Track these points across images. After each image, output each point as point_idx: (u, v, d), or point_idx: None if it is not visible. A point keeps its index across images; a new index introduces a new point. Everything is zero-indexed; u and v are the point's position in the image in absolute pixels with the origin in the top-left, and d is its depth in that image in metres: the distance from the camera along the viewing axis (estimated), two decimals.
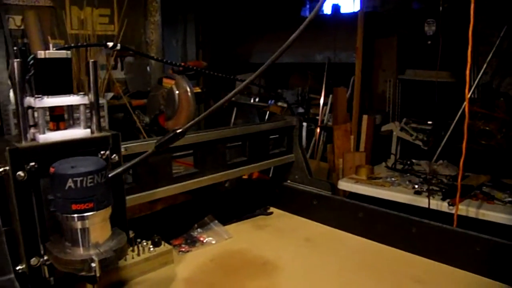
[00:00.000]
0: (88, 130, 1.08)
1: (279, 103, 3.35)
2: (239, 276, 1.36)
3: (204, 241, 1.55)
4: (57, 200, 0.94)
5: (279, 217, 1.80)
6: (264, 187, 1.91)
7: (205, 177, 1.48)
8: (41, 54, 1.01)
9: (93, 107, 1.09)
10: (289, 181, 1.88)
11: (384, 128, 3.25)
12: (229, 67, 3.61)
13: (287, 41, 0.92)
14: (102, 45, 1.20)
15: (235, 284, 1.32)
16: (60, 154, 1.01)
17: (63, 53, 1.03)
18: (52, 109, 1.06)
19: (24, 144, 1.00)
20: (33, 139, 1.04)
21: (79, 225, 0.96)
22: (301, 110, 3.50)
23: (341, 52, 3.61)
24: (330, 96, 3.51)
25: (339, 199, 1.71)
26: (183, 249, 1.49)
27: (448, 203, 2.46)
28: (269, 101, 3.41)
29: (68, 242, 0.99)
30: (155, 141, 1.27)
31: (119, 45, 1.26)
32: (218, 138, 1.51)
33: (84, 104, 1.07)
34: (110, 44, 1.24)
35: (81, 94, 1.06)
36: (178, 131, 1.04)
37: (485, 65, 2.91)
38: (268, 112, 3.62)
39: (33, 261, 1.02)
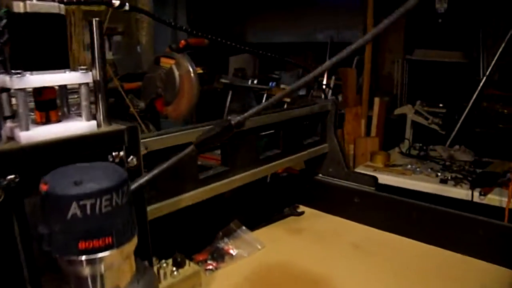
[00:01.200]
0: (94, 123, 0.71)
1: (282, 86, 2.97)
2: None
3: (234, 254, 1.19)
4: (54, 235, 0.57)
5: (313, 218, 1.45)
6: (292, 183, 1.55)
7: (237, 177, 1.12)
8: (19, 6, 0.62)
9: (99, 88, 0.72)
10: (320, 175, 1.52)
11: (397, 111, 2.93)
12: (222, 47, 3.21)
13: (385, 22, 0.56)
14: (106, 4, 0.81)
15: None
16: (53, 161, 0.63)
17: (53, 6, 0.65)
18: (38, 92, 0.68)
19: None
20: (11, 138, 0.66)
21: (90, 270, 0.59)
22: (302, 92, 3.13)
23: (345, 31, 3.23)
24: (333, 77, 3.16)
25: (387, 196, 1.37)
26: (210, 267, 1.13)
27: (480, 192, 2.16)
28: (270, 83, 3.03)
29: None
30: (182, 132, 0.91)
31: (127, 4, 0.88)
32: (248, 128, 1.14)
33: (87, 84, 0.68)
34: (117, 2, 0.85)
35: (81, 70, 0.68)
36: (233, 121, 0.67)
37: (503, 44, 2.59)
38: (265, 96, 3.25)
39: None
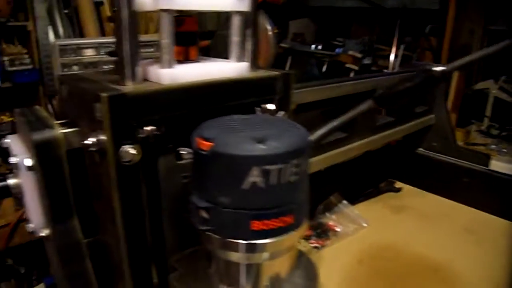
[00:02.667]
0: (245, 65, 0.52)
1: (350, 52, 2.73)
2: None
3: (339, 230, 1.02)
4: (217, 210, 0.40)
5: (413, 196, 1.26)
6: (389, 156, 1.35)
7: (355, 144, 0.93)
8: None
9: (251, 21, 0.53)
10: (421, 149, 1.32)
11: (478, 86, 2.65)
12: (281, 10, 2.95)
13: None
14: None
15: None
16: (199, 110, 0.46)
17: None
18: (179, 20, 0.50)
19: (133, 87, 0.45)
20: (146, 80, 0.49)
21: (259, 257, 0.42)
22: (367, 61, 2.88)
23: None
24: (402, 46, 2.89)
25: (504, 177, 1.15)
26: (316, 244, 0.96)
27: None
28: (336, 50, 2.79)
29: (223, 282, 0.45)
30: (333, 85, 0.73)
31: None
32: (367, 91, 0.94)
33: (241, 14, 0.50)
34: None
35: None
36: (438, 68, 0.48)
37: None
38: (326, 63, 3.01)
39: None
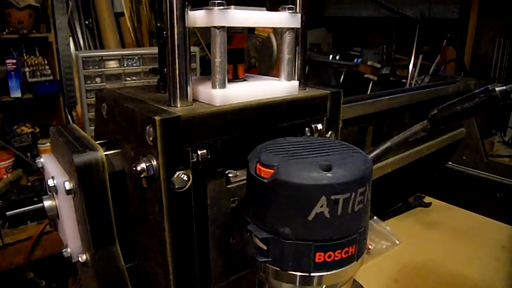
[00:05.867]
0: (295, 84, 0.50)
1: (369, 62, 2.69)
2: None
3: (371, 247, 0.98)
4: (278, 240, 0.37)
5: (444, 212, 1.22)
6: (418, 170, 1.31)
7: (389, 160, 0.90)
8: None
9: (300, 38, 0.51)
10: (451, 163, 1.28)
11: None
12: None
13: None
14: None
15: None
16: (251, 132, 0.43)
17: None
18: (229, 38, 0.47)
19: (185, 108, 0.42)
20: (195, 101, 0.46)
21: None
22: (386, 71, 2.84)
23: (438, 5, 2.85)
24: (420, 56, 2.84)
25: None
26: None
27: None
28: (356, 60, 2.76)
29: None
30: (372, 100, 0.71)
31: None
32: (402, 106, 0.91)
33: (293, 30, 0.48)
34: None
35: (289, 10, 0.47)
36: (499, 88, 0.45)
37: None
38: (344, 73, 2.98)
39: None
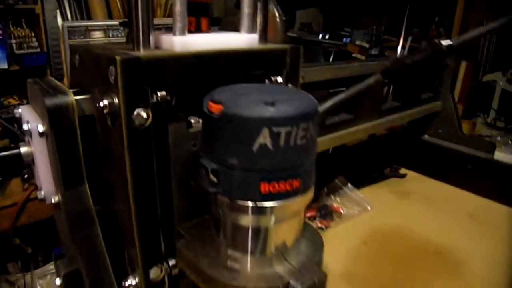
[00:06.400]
0: (255, 37, 0.53)
1: (358, 42, 2.72)
2: (415, 271, 0.86)
3: (343, 213, 1.03)
4: (226, 171, 0.41)
5: (418, 182, 1.27)
6: (394, 142, 1.36)
7: (360, 126, 0.94)
8: None
9: None
10: (427, 136, 1.32)
11: (486, 78, 2.63)
12: None
13: None
14: None
15: (417, 285, 0.81)
16: (207, 78, 0.47)
17: None
18: None
19: (146, 53, 0.45)
20: (157, 48, 0.49)
21: (267, 220, 0.43)
22: (375, 52, 2.88)
23: None
24: (409, 38, 2.87)
25: (508, 165, 1.16)
26: (321, 225, 0.98)
27: None
28: (344, 39, 2.78)
29: (231, 248, 0.46)
30: (343, 65, 0.74)
31: None
32: (356, 76, 0.95)
33: None
34: None
35: None
36: (445, 43, 0.49)
37: None
38: (333, 53, 3.01)
39: (154, 272, 0.50)
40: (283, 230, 0.46)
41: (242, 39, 0.52)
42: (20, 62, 2.01)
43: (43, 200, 0.58)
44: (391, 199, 1.16)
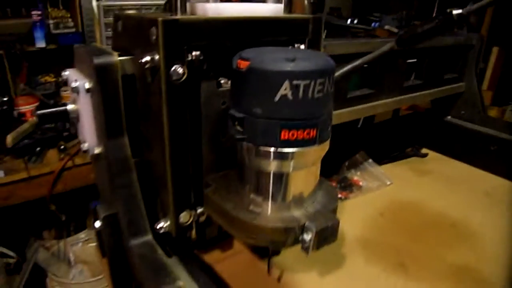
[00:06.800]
0: (280, 6, 0.59)
1: (386, 27, 2.73)
2: (429, 242, 0.90)
3: (362, 185, 1.08)
4: (251, 119, 0.46)
5: (439, 162, 1.30)
6: (417, 122, 1.39)
7: (381, 102, 0.98)
8: None
9: None
10: (450, 117, 1.35)
11: None
12: None
13: None
14: None
15: (430, 254, 0.86)
16: (237, 42, 0.53)
17: None
18: None
19: (184, 17, 0.52)
20: (193, 15, 0.56)
21: (286, 166, 0.49)
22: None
23: None
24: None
25: None
26: (340, 195, 1.03)
27: None
28: (373, 24, 2.79)
29: (253, 193, 0.52)
30: (363, 41, 0.78)
31: None
32: (397, 50, 0.98)
33: None
34: None
35: None
36: (456, 11, 0.53)
37: None
38: (361, 37, 3.00)
39: (184, 217, 0.57)
40: (301, 178, 0.52)
41: (268, 8, 0.58)
42: (57, 41, 2.11)
43: (86, 151, 0.65)
44: (410, 176, 1.20)
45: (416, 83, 1.10)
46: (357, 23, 2.82)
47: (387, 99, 1.01)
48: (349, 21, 2.89)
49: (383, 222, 0.97)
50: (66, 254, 1.80)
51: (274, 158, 0.48)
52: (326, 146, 0.51)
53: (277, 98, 0.44)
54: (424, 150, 1.35)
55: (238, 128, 0.48)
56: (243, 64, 0.46)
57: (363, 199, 1.05)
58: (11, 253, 1.70)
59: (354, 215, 0.98)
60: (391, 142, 1.32)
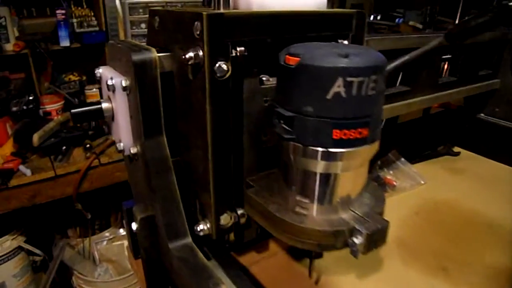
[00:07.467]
0: (324, 1, 0.56)
1: (411, 23, 2.67)
2: (467, 243, 0.87)
3: (395, 184, 1.04)
4: (301, 118, 0.44)
5: (471, 161, 1.26)
6: (449, 120, 1.35)
7: (417, 99, 0.95)
8: None
9: None
10: (483, 115, 1.31)
11: None
12: None
13: None
14: None
15: (470, 257, 0.83)
16: (283, 37, 0.51)
17: None
18: None
19: (229, 11, 0.50)
20: (236, 9, 0.54)
21: (336, 167, 0.46)
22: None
23: None
24: (466, 18, 2.78)
25: None
26: None
27: None
28: (397, 20, 2.74)
29: (299, 194, 0.50)
30: (403, 36, 0.76)
31: None
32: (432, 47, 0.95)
33: None
34: None
35: None
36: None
37: None
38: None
39: (225, 219, 0.55)
40: (349, 179, 0.50)
41: (312, 2, 0.55)
42: (81, 40, 2.12)
43: (121, 151, 0.64)
44: (443, 175, 1.17)
45: (451, 80, 1.06)
46: (380, 19, 2.77)
47: (422, 97, 0.97)
48: (372, 17, 2.85)
49: (419, 222, 0.94)
50: (91, 253, 1.80)
51: (324, 158, 0.46)
52: (376, 145, 0.48)
53: (329, 95, 0.42)
54: (456, 149, 1.31)
55: (286, 127, 0.46)
56: (293, 61, 0.44)
57: (397, 198, 1.02)
58: (37, 251, 1.71)
59: (389, 215, 0.94)
60: (422, 141, 1.29)
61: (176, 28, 0.53)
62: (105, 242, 1.87)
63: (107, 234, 1.90)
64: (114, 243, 1.86)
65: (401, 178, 1.07)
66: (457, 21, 2.71)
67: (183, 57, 0.47)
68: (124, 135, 0.62)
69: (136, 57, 0.52)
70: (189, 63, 0.47)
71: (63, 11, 2.05)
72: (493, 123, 1.28)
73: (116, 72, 0.61)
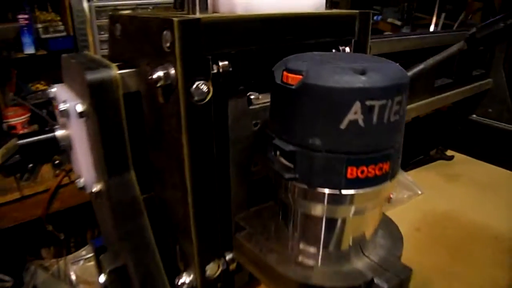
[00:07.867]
0: (323, 1, 0.46)
1: (390, 20, 2.60)
2: (475, 259, 0.78)
3: (392, 197, 0.95)
4: (305, 153, 0.34)
5: (466, 165, 1.18)
6: (439, 122, 1.27)
7: (413, 105, 0.86)
8: None
9: None
10: (475, 116, 1.23)
11: None
12: None
13: None
14: None
15: (478, 275, 0.74)
16: (275, 46, 0.40)
17: None
18: None
19: (207, 15, 0.39)
20: (215, 13, 0.43)
21: (349, 210, 0.36)
22: (406, 30, 2.75)
23: None
24: (443, 15, 2.73)
25: None
26: None
27: None
28: (376, 17, 2.66)
29: (302, 241, 0.40)
30: (410, 37, 0.67)
31: None
32: (431, 47, 0.86)
33: None
34: None
35: None
36: None
37: None
38: None
39: (211, 269, 0.44)
40: (364, 220, 0.40)
41: (310, 3, 0.45)
42: (47, 46, 1.97)
43: (82, 188, 0.52)
44: (439, 183, 1.08)
45: (447, 82, 0.98)
46: None
47: (420, 102, 0.88)
48: None
49: (421, 239, 0.86)
50: (67, 274, 1.66)
51: (334, 202, 0.35)
52: (396, 180, 0.38)
53: (343, 125, 0.32)
54: (449, 152, 1.23)
55: (286, 163, 0.35)
56: (293, 79, 0.33)
57: (395, 212, 0.93)
58: (6, 278, 1.56)
59: None
60: (414, 145, 1.20)
61: (141, 38, 0.42)
62: (81, 262, 1.73)
63: (83, 252, 1.76)
64: (91, 263, 1.72)
65: (397, 189, 0.98)
66: (434, 17, 2.65)
67: (150, 77, 0.36)
68: (84, 169, 0.50)
69: (91, 76, 0.40)
70: (158, 85, 0.36)
71: (26, 16, 1.90)
72: (486, 124, 1.20)
73: (72, 93, 0.49)
